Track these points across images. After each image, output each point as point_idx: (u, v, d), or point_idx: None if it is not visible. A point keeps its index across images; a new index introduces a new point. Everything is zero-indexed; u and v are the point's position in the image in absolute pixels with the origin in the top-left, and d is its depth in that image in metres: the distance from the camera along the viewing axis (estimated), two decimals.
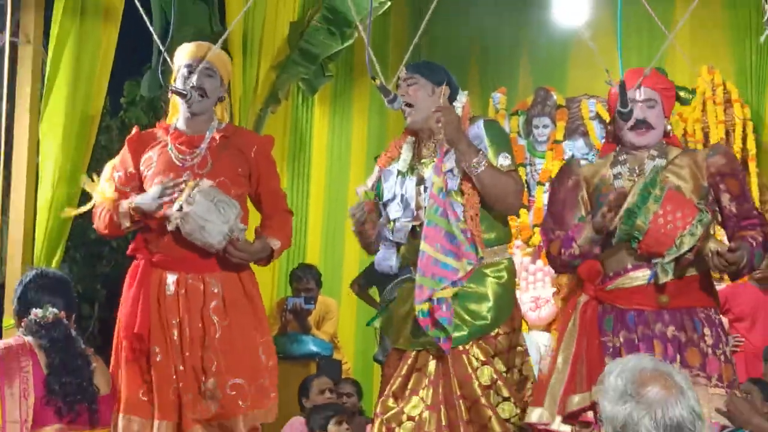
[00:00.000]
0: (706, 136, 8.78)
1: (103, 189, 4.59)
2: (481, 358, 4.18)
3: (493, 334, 4.23)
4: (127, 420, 4.34)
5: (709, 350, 4.13)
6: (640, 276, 4.18)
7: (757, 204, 8.46)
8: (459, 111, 4.40)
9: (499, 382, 4.16)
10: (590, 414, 4.10)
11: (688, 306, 4.18)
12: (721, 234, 4.72)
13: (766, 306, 7.38)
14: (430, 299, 4.04)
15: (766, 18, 5.88)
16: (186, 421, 4.33)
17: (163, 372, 4.38)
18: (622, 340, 4.17)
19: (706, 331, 4.16)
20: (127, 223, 4.48)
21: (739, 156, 8.63)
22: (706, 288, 4.24)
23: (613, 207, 4.12)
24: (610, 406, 2.64)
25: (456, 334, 4.15)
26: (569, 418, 4.15)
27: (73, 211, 4.80)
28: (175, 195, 4.35)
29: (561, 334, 4.35)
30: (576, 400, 4.13)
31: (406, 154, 4.43)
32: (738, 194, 4.25)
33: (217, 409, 4.35)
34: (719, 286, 7.30)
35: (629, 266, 4.20)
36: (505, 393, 4.18)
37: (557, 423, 4.15)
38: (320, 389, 6.34)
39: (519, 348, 4.37)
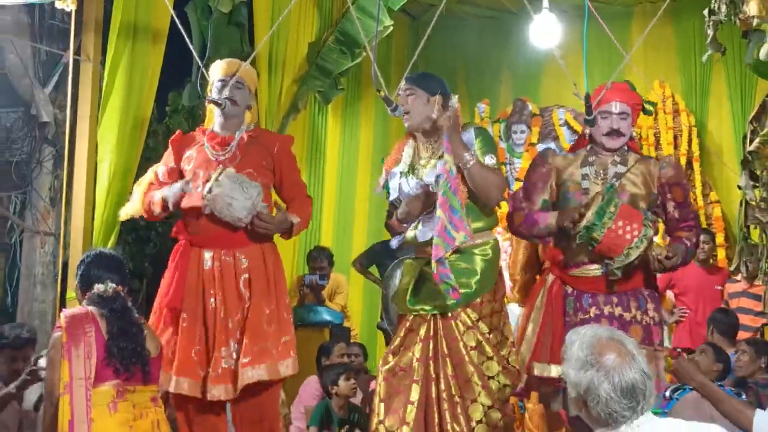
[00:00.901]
0: (658, 140, 8.80)
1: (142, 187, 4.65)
2: (468, 323, 4.19)
3: (478, 301, 4.24)
4: (167, 377, 4.36)
5: (651, 321, 4.28)
6: (595, 269, 4.30)
7: (700, 198, 8.49)
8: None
9: (484, 343, 4.17)
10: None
11: (633, 288, 4.31)
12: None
13: (707, 282, 7.42)
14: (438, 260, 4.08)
15: (708, 40, 5.89)
16: (210, 377, 4.33)
17: (187, 335, 4.39)
18: (578, 320, 4.25)
19: (650, 306, 4.31)
20: (158, 210, 4.52)
21: (685, 157, 8.64)
22: (648, 273, 4.36)
23: (575, 219, 4.20)
24: (573, 372, 2.64)
25: (448, 302, 4.18)
26: (532, 381, 4.29)
27: (124, 214, 4.81)
28: (198, 188, 4.39)
29: (530, 308, 4.45)
30: (537, 368, 4.26)
31: (407, 155, 4.43)
32: (681, 201, 4.40)
33: (238, 367, 4.34)
34: None
35: (586, 260, 4.31)
36: (489, 353, 4.18)
37: (522, 382, 4.28)
38: (340, 353, 6.36)
39: (501, 312, 4.38)
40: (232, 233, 4.43)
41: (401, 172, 4.39)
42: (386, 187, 4.48)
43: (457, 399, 4.08)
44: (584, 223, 4.14)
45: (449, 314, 4.19)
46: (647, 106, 4.59)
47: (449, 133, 4.21)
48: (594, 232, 4.12)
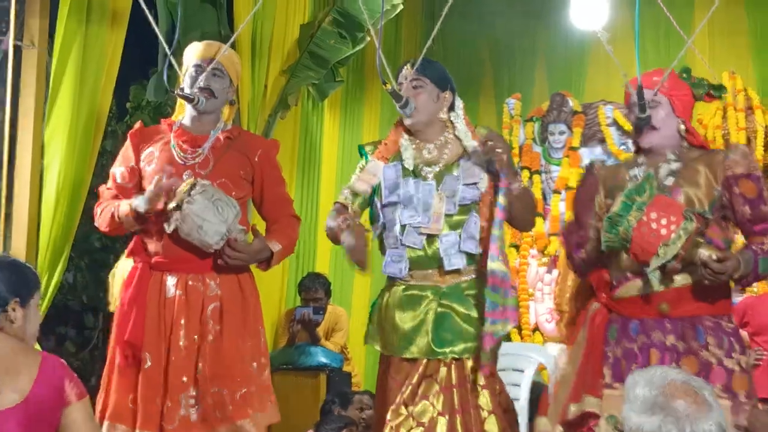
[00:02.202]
0: (727, 143, 8.77)
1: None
2: (481, 382, 4.26)
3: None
4: (113, 428, 4.34)
5: (714, 360, 4.07)
6: (638, 284, 4.16)
7: None
8: (461, 118, 4.49)
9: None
10: (585, 427, 4.13)
11: (692, 314, 4.13)
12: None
13: None
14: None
15: None
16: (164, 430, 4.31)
17: (151, 380, 4.36)
18: (620, 351, 4.16)
19: (710, 340, 4.09)
20: (132, 225, 4.48)
21: (760, 164, 8.62)
22: (714, 295, 4.14)
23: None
24: (636, 416, 2.65)
25: (474, 344, 4.26)
26: (570, 428, 4.18)
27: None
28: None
29: (571, 345, 4.37)
30: (572, 409, 4.14)
31: (408, 153, 4.43)
32: (753, 197, 4.15)
33: (196, 421, 4.33)
34: (739, 297, 7.31)
35: (628, 275, 4.19)
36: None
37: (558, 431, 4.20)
38: (359, 406, 6.34)
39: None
40: (201, 257, 4.42)
41: (405, 169, 4.38)
42: (376, 185, 4.44)
43: None
44: (607, 215, 4.06)
45: (472, 358, 4.25)
46: (714, 93, 4.48)
47: (504, 165, 4.27)
48: (620, 224, 4.01)
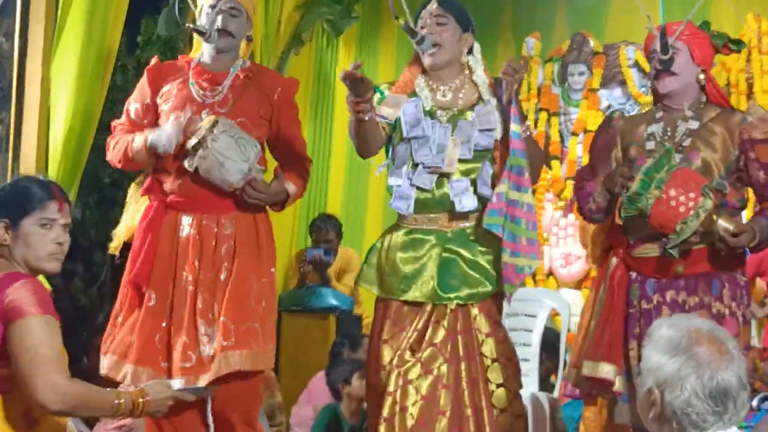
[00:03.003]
0: (751, 87, 8.72)
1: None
2: (486, 330, 4.31)
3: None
4: (117, 364, 4.41)
5: (727, 311, 4.14)
6: (654, 249, 4.19)
7: None
8: (480, 63, 4.48)
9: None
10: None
11: (707, 271, 4.18)
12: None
13: None
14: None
15: None
16: (174, 368, 4.34)
17: (152, 317, 4.40)
18: (641, 309, 4.20)
19: (726, 292, 4.16)
20: (141, 158, 4.49)
21: None
22: (729, 254, 4.16)
23: (624, 183, 4.13)
24: (657, 356, 2.64)
25: (480, 290, 4.31)
26: (581, 383, 4.28)
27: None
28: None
29: (593, 299, 4.38)
30: (587, 367, 4.20)
31: (425, 93, 4.42)
32: (767, 162, 4.20)
33: (211, 356, 4.33)
34: None
35: (645, 238, 4.20)
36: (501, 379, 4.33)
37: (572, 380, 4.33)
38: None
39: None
40: (218, 196, 4.43)
41: (426, 111, 4.37)
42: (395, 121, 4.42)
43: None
44: (626, 193, 4.08)
45: (477, 305, 4.29)
46: (732, 46, 4.48)
47: (511, 97, 4.27)
48: (639, 202, 4.03)
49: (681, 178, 4.05)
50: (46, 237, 3.39)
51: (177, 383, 3.54)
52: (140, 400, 3.32)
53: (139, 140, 4.45)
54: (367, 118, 4.18)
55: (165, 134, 4.41)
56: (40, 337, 3.18)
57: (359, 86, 4.06)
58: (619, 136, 4.39)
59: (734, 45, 4.54)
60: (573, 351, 4.45)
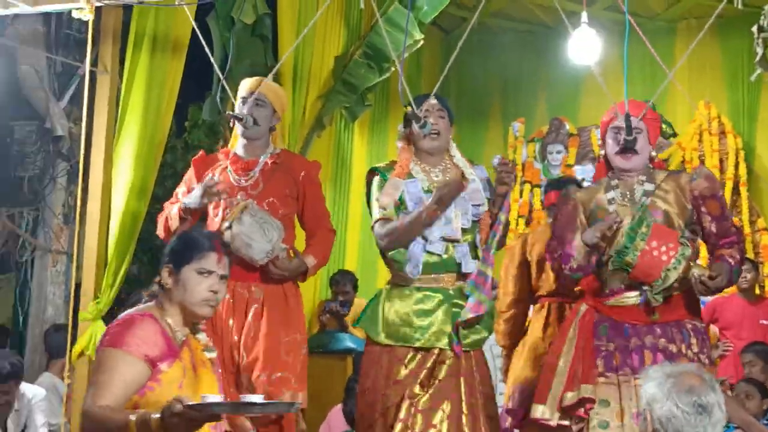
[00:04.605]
0: (703, 163, 8.73)
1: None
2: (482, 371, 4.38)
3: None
4: None
5: (695, 357, 4.14)
6: (633, 296, 4.20)
7: (747, 225, 8.42)
8: (456, 150, 4.56)
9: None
10: (582, 410, 4.13)
11: (676, 319, 4.19)
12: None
13: (751, 315, 7.34)
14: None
15: (757, 59, 5.86)
16: None
17: None
18: (614, 345, 4.17)
19: (693, 340, 4.17)
20: (177, 223, 4.55)
21: (731, 181, 8.58)
22: (692, 303, 4.24)
23: (606, 237, 4.14)
24: (652, 387, 2.78)
25: (481, 336, 4.37)
26: (564, 413, 4.19)
27: None
28: (218, 216, 4.47)
29: (561, 341, 4.33)
30: (569, 396, 4.15)
31: (420, 174, 4.45)
32: (718, 215, 4.24)
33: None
34: (708, 298, 7.31)
35: (623, 287, 4.22)
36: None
37: (556, 419, 4.18)
38: None
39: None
40: (249, 269, 4.51)
41: (422, 188, 4.39)
42: (400, 198, 4.43)
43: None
44: (615, 247, 4.08)
45: (472, 353, 4.32)
46: (665, 127, 4.56)
47: (506, 192, 4.37)
48: (627, 255, 4.05)
49: (659, 232, 4.06)
50: (202, 284, 3.28)
51: (256, 398, 3.26)
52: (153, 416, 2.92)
53: (174, 209, 4.58)
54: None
55: (193, 194, 4.53)
56: (102, 361, 3.11)
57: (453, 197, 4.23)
58: (580, 205, 4.39)
59: (670, 130, 4.67)
60: (540, 387, 4.35)
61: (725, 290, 7.65)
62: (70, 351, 5.65)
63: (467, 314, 4.24)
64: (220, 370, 3.43)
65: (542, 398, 4.24)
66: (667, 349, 4.11)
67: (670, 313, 4.17)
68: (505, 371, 5.58)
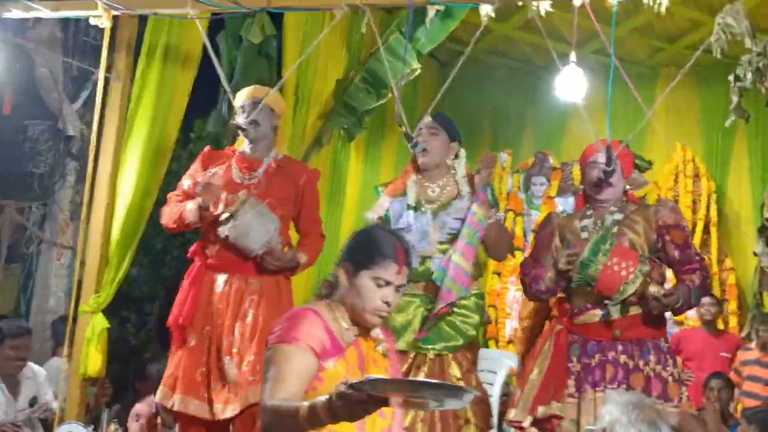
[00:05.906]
0: (676, 203, 8.76)
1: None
2: (457, 375, 4.27)
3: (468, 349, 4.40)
4: (168, 395, 4.47)
5: (652, 373, 4.21)
6: (597, 314, 4.27)
7: (715, 264, 8.44)
8: (462, 166, 4.59)
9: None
10: (550, 424, 4.19)
11: (638, 338, 4.26)
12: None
13: (712, 347, 7.40)
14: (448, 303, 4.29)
15: (732, 106, 5.91)
16: (215, 391, 4.40)
17: (192, 355, 4.47)
18: (580, 366, 4.26)
19: (652, 357, 4.23)
20: (193, 219, 4.56)
21: (703, 222, 8.61)
22: (653, 322, 4.30)
23: (572, 259, 4.21)
24: (614, 410, 2.93)
25: (452, 343, 4.34)
26: (536, 424, 4.25)
27: None
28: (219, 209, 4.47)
29: (537, 351, 4.43)
30: (541, 410, 4.22)
31: (412, 191, 4.49)
32: (681, 243, 4.34)
33: (234, 382, 4.38)
34: (674, 329, 7.36)
35: (588, 305, 4.30)
36: (470, 414, 4.31)
37: (527, 422, 4.24)
38: None
39: (474, 372, 4.47)
40: (246, 262, 4.54)
41: (408, 205, 4.43)
42: (385, 215, 4.49)
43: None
44: (579, 259, 4.16)
45: (450, 355, 4.31)
46: (638, 161, 4.65)
47: (484, 188, 4.38)
48: (589, 268, 4.13)
49: (621, 251, 4.16)
50: (377, 293, 2.95)
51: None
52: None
53: (191, 203, 4.56)
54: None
55: (189, 207, 4.59)
56: (273, 358, 2.85)
57: None
58: (557, 229, 4.48)
59: (645, 163, 4.77)
60: (516, 393, 4.44)
61: (689, 322, 7.78)
62: (71, 340, 5.66)
63: (439, 304, 4.27)
64: (395, 358, 3.12)
65: (514, 404, 4.35)
66: (627, 364, 4.19)
67: (632, 331, 4.24)
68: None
